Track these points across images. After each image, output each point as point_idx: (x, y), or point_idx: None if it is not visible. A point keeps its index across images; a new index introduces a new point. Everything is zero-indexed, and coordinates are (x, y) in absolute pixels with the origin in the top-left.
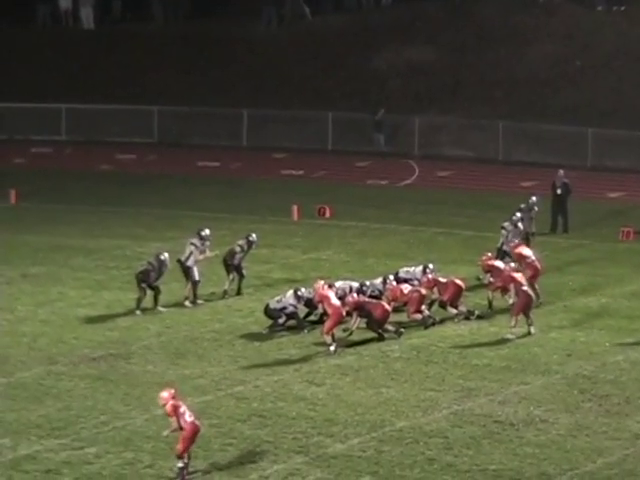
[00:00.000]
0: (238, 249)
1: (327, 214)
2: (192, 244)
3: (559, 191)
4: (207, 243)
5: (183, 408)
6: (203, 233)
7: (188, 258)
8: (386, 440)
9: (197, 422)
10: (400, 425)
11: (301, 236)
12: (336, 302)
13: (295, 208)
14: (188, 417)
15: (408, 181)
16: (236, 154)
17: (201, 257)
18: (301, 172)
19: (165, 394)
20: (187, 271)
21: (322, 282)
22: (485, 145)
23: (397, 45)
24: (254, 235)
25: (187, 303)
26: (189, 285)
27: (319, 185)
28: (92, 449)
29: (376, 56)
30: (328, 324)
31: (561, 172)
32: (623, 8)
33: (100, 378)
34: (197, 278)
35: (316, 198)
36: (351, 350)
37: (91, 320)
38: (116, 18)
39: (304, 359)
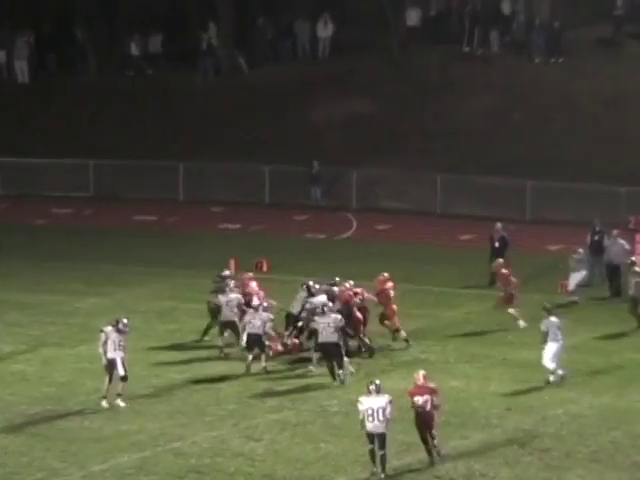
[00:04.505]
0: None
1: (264, 268)
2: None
3: (497, 244)
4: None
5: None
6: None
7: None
8: None
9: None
10: None
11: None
12: None
13: (232, 262)
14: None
15: (346, 234)
16: (173, 208)
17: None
18: (238, 226)
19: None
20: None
21: None
22: (423, 198)
23: (335, 97)
24: None
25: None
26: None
27: (256, 239)
28: None
29: (313, 108)
30: None
31: (499, 225)
32: (561, 60)
33: (36, 435)
34: None
35: (253, 252)
36: (289, 405)
37: (27, 376)
38: (51, 71)
39: (242, 414)
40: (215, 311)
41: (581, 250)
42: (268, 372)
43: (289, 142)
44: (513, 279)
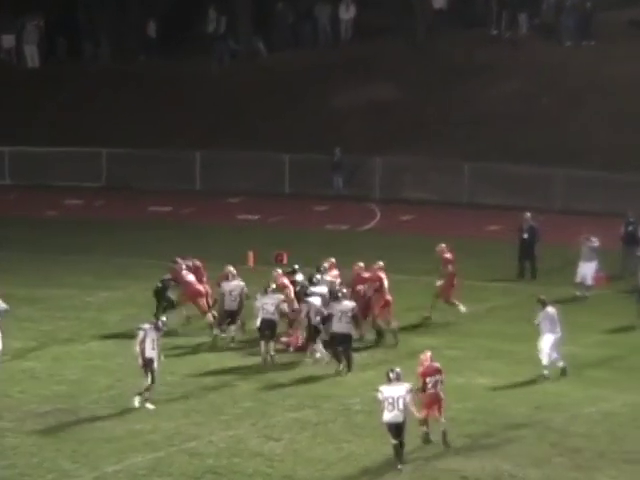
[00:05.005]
0: None
1: (284, 260)
2: None
3: (526, 235)
4: None
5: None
6: None
7: None
8: None
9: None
10: None
11: (257, 283)
12: None
13: (251, 254)
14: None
15: (369, 225)
16: (189, 198)
17: None
18: (257, 217)
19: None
20: None
21: None
22: (449, 187)
23: (357, 82)
24: None
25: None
26: None
27: (276, 230)
28: None
29: (335, 94)
30: None
31: (528, 215)
32: (592, 43)
33: (47, 434)
34: None
35: (273, 244)
36: (310, 403)
37: (37, 374)
38: (61, 57)
39: (260, 412)
40: (160, 293)
41: (594, 238)
42: (274, 360)
43: (309, 129)
44: (451, 267)
